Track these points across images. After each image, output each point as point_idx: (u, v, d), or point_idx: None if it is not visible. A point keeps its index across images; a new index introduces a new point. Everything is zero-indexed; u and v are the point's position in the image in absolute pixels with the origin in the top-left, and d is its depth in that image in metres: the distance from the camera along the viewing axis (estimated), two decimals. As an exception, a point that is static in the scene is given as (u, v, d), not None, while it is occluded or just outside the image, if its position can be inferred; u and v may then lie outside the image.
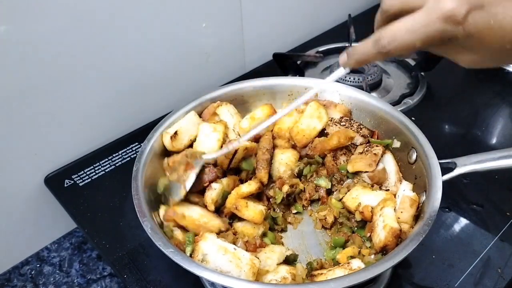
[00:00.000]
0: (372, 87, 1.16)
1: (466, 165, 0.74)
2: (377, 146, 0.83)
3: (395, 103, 1.13)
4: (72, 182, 0.96)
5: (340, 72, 0.62)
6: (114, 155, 1.02)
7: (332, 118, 0.90)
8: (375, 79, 1.17)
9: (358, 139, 0.86)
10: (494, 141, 1.06)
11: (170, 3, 1.00)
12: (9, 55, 0.81)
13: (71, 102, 0.94)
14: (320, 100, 0.92)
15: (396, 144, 0.84)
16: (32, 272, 0.96)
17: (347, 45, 1.32)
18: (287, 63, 1.24)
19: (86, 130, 1.00)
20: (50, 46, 0.85)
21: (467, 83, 1.26)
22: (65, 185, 0.95)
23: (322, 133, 0.90)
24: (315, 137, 0.89)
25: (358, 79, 1.15)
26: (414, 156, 0.80)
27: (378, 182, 0.81)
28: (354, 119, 0.91)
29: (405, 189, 0.77)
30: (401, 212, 0.71)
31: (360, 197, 0.78)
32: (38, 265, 0.97)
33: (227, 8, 1.13)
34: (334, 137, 0.83)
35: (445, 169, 0.74)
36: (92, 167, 0.99)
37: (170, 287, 0.79)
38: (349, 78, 1.15)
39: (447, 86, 1.23)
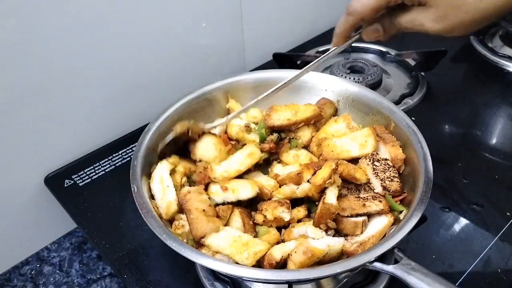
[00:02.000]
0: (372, 87, 1.15)
1: (405, 272, 0.60)
2: (380, 201, 0.71)
3: (395, 103, 1.13)
4: (72, 182, 0.96)
5: (333, 51, 0.83)
6: (114, 155, 1.02)
7: (375, 153, 0.78)
8: (375, 79, 1.17)
9: (377, 188, 0.74)
10: (494, 141, 1.06)
11: (170, 3, 1.00)
12: (9, 56, 0.81)
13: (71, 102, 0.94)
14: (381, 133, 0.81)
15: (402, 215, 0.71)
16: (32, 272, 0.96)
17: (347, 45, 1.32)
18: (287, 63, 1.24)
19: (86, 130, 1.00)
20: (50, 46, 0.85)
21: (467, 83, 1.26)
22: (65, 185, 0.95)
23: (356, 161, 0.79)
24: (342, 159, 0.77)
25: (358, 79, 1.15)
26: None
27: (338, 229, 0.70)
28: (395, 170, 0.76)
29: (325, 240, 0.65)
30: (295, 252, 0.63)
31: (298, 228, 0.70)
32: (38, 265, 0.97)
33: (227, 8, 1.13)
34: (326, 169, 0.70)
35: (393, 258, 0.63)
36: (92, 167, 0.99)
37: (170, 287, 0.79)
38: (349, 78, 1.15)
39: (447, 86, 1.23)
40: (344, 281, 0.77)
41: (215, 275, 0.79)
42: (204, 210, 0.69)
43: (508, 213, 0.87)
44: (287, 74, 0.93)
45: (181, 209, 0.74)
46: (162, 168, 0.76)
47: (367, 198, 0.71)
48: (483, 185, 0.93)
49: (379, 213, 0.70)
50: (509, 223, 0.85)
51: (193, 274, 0.80)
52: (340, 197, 0.71)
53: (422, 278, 0.58)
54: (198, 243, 0.68)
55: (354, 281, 0.78)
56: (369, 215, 0.71)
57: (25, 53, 0.82)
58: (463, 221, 0.87)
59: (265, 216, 0.70)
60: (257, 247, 0.63)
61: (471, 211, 0.88)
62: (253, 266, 0.62)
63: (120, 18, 0.93)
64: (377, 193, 0.74)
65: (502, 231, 0.84)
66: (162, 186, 0.73)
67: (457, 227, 0.86)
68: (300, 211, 0.72)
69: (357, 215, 0.70)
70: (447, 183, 0.94)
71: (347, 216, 0.70)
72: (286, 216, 0.70)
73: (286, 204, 0.71)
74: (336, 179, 0.70)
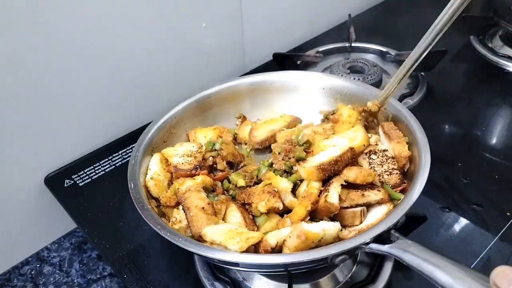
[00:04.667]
0: (372, 87, 1.16)
1: (400, 250, 0.59)
2: (379, 191, 0.69)
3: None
4: (72, 182, 0.96)
5: None
6: (114, 155, 1.02)
7: (374, 145, 0.76)
8: (375, 79, 1.17)
9: (375, 183, 0.72)
10: (494, 141, 1.06)
11: (170, 4, 1.00)
12: (10, 57, 0.81)
13: (71, 103, 0.94)
14: (388, 129, 0.79)
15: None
16: (32, 272, 0.96)
17: (347, 45, 1.32)
18: (287, 63, 1.24)
19: (86, 130, 1.00)
20: (50, 46, 0.85)
21: (467, 83, 1.26)
22: (65, 185, 0.95)
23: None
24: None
25: (358, 79, 1.15)
26: None
27: (336, 220, 0.68)
28: (394, 161, 0.74)
29: (319, 223, 0.64)
30: (289, 237, 0.62)
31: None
32: (38, 265, 0.97)
33: (227, 8, 1.13)
34: (302, 208, 0.68)
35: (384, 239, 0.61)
36: (92, 167, 0.99)
37: (170, 287, 0.79)
38: (349, 78, 1.15)
39: (447, 86, 1.23)
40: (344, 281, 0.77)
41: (215, 275, 0.79)
42: (203, 208, 0.69)
43: (508, 213, 0.87)
44: (281, 76, 0.93)
45: (177, 203, 0.74)
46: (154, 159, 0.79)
47: (365, 188, 0.70)
48: (483, 185, 0.93)
49: (379, 202, 0.68)
50: (509, 223, 0.85)
51: (193, 274, 0.80)
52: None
53: (418, 254, 0.57)
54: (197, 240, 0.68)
55: (354, 281, 0.78)
56: (369, 205, 0.69)
57: (25, 54, 0.82)
58: (463, 221, 0.87)
59: (257, 209, 0.70)
60: (250, 234, 0.63)
61: (471, 211, 0.88)
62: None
63: (120, 18, 0.93)
64: (375, 184, 0.72)
65: (502, 231, 0.84)
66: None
67: (457, 227, 0.86)
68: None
69: (357, 205, 0.68)
70: (447, 183, 0.94)
71: (346, 207, 0.68)
72: (279, 205, 0.70)
73: (276, 193, 0.71)
74: (340, 178, 0.70)
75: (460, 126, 1.10)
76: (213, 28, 1.12)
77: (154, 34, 1.01)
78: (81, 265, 0.96)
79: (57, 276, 0.94)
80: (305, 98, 0.92)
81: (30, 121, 0.89)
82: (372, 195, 0.68)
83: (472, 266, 0.78)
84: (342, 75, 1.17)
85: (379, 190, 0.69)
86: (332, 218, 0.69)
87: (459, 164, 0.98)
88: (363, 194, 0.68)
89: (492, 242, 0.82)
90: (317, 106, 0.91)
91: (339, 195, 0.68)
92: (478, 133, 1.07)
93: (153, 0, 0.96)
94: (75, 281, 0.93)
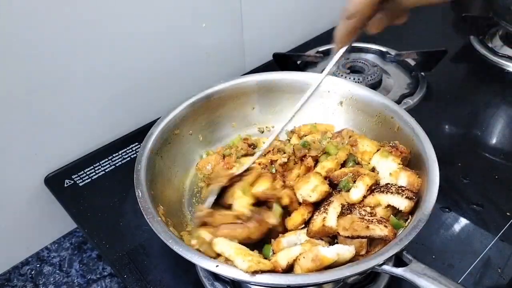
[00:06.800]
0: (372, 87, 1.15)
1: (415, 275, 0.59)
2: (386, 227, 0.65)
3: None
4: (72, 182, 0.96)
5: (339, 53, 0.70)
6: (114, 155, 1.02)
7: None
8: (375, 79, 1.17)
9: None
10: (494, 141, 1.06)
11: (170, 3, 1.00)
12: (10, 56, 0.81)
13: (71, 102, 0.94)
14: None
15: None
16: (32, 272, 0.96)
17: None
18: (287, 63, 1.24)
19: (86, 130, 1.00)
20: (50, 46, 0.85)
21: (467, 83, 1.26)
22: (65, 185, 0.95)
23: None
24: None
25: (358, 79, 1.15)
26: None
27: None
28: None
29: (334, 248, 0.63)
30: (303, 258, 0.62)
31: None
32: (38, 265, 0.97)
33: (227, 8, 1.13)
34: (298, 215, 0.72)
35: (400, 261, 0.63)
36: (92, 167, 0.99)
37: (170, 287, 0.79)
38: (349, 78, 1.15)
39: (447, 86, 1.23)
40: (344, 281, 0.77)
41: (215, 276, 0.79)
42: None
43: (508, 213, 0.87)
44: (289, 75, 0.94)
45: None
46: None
47: (371, 221, 0.66)
48: (483, 185, 0.93)
49: (383, 238, 0.64)
50: (509, 223, 0.85)
51: (193, 274, 0.80)
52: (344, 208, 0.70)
53: (432, 281, 0.58)
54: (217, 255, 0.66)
55: (354, 280, 0.78)
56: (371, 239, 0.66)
57: (25, 53, 0.82)
58: (463, 221, 0.87)
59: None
60: (262, 260, 0.62)
61: (471, 211, 0.89)
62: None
63: (120, 18, 0.93)
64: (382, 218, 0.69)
65: (502, 231, 0.84)
66: None
67: (457, 227, 0.86)
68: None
69: (358, 236, 0.64)
70: (447, 183, 0.94)
71: (347, 237, 0.65)
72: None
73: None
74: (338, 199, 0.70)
75: (460, 126, 1.10)
76: (213, 28, 1.12)
77: (153, 34, 1.01)
78: (81, 265, 0.96)
79: (57, 276, 0.94)
80: (309, 99, 0.92)
81: (30, 121, 0.89)
82: (377, 230, 0.64)
83: (472, 266, 0.78)
84: (342, 75, 1.17)
85: (386, 226, 0.65)
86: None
87: (459, 164, 0.98)
88: (367, 227, 0.64)
89: (492, 242, 0.82)
90: (325, 110, 0.92)
91: (343, 225, 0.66)
92: (478, 133, 1.07)
93: (153, 0, 0.96)
94: (75, 281, 0.93)
